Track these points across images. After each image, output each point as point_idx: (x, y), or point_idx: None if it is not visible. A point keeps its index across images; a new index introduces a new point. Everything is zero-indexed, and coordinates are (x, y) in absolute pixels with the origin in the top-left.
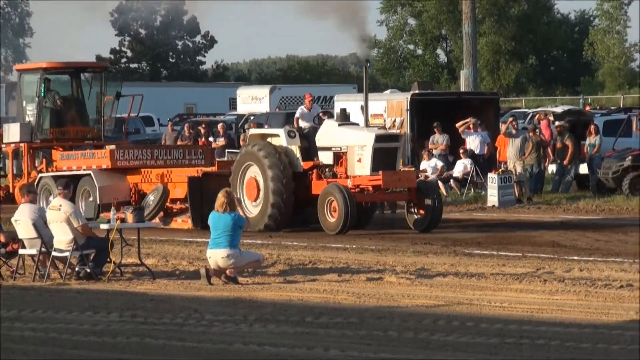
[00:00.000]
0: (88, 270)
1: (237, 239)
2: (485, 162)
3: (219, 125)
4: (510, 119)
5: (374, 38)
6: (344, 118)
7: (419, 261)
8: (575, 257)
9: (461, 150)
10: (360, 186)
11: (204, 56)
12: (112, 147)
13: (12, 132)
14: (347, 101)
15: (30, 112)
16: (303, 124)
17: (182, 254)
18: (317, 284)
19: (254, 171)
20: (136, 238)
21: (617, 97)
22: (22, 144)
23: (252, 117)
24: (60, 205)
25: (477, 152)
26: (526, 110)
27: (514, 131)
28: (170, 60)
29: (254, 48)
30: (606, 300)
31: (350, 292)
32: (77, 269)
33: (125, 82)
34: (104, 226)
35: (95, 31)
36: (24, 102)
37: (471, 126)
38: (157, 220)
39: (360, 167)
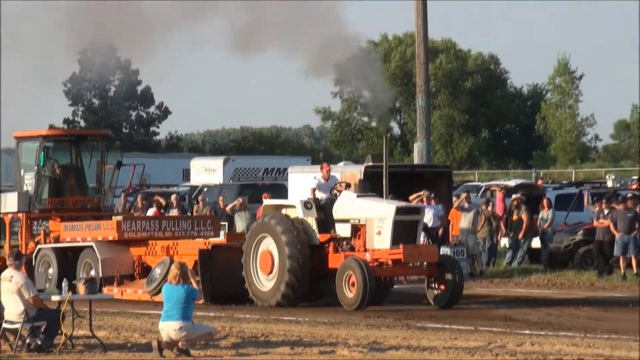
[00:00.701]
0: (39, 342)
1: (189, 311)
2: (438, 235)
3: (172, 197)
4: (464, 194)
5: (328, 110)
6: (363, 189)
7: (372, 334)
8: (527, 331)
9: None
10: (380, 260)
11: (158, 127)
12: (119, 218)
13: (10, 202)
14: (301, 173)
15: (29, 181)
16: (320, 195)
17: (134, 326)
18: (269, 357)
19: (268, 243)
20: (88, 310)
21: (568, 172)
22: (20, 214)
23: (205, 189)
24: (12, 277)
25: (430, 225)
26: (479, 183)
27: (466, 205)
28: (124, 130)
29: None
30: None
31: None
32: (27, 340)
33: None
34: (55, 298)
35: (48, 101)
36: (22, 171)
37: (424, 199)
38: (108, 290)
39: (380, 240)
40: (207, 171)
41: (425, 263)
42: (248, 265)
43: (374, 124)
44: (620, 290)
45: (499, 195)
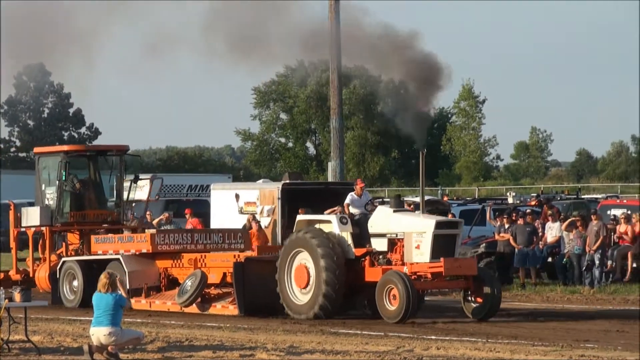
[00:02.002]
0: None
1: (118, 318)
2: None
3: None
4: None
5: (248, 131)
6: (399, 204)
7: (289, 339)
8: (433, 337)
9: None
10: (418, 273)
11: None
12: (153, 231)
13: (32, 216)
14: (223, 190)
15: (50, 196)
16: (354, 210)
17: (67, 331)
18: None
19: (304, 258)
20: (23, 316)
21: (472, 189)
22: (42, 228)
23: (134, 204)
24: None
25: None
26: (389, 199)
27: None
28: None
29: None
30: None
31: None
32: None
33: (14, 170)
34: None
35: None
36: (43, 186)
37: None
38: (136, 302)
39: (419, 253)
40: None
41: (463, 276)
42: (282, 280)
43: (290, 144)
44: (519, 299)
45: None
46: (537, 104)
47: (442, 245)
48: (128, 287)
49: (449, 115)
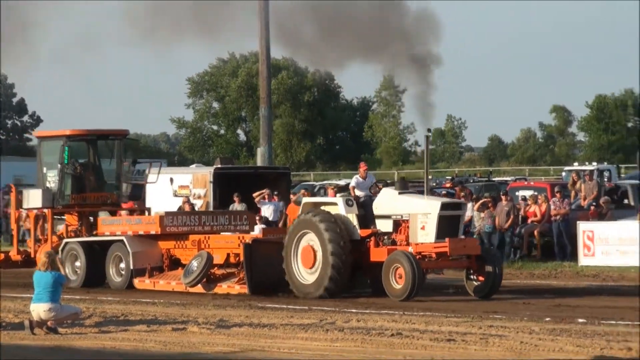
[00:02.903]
0: None
1: (57, 295)
2: (278, 227)
3: None
4: (302, 191)
5: (182, 119)
6: (404, 187)
7: (219, 313)
8: (354, 310)
9: (257, 217)
10: (423, 253)
11: (31, 133)
12: (162, 213)
13: (33, 198)
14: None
15: (52, 178)
16: (359, 192)
17: (9, 307)
18: (128, 334)
19: (310, 239)
20: None
21: (392, 172)
22: (44, 210)
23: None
24: None
25: (271, 219)
26: (314, 183)
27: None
28: (1, 137)
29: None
30: (379, 346)
31: (158, 341)
32: None
33: None
34: None
35: None
36: (45, 169)
37: (266, 196)
38: (140, 282)
39: (424, 234)
40: None
41: (465, 256)
42: (289, 260)
43: (222, 131)
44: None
45: (331, 193)
46: (452, 94)
47: (446, 225)
48: (132, 267)
49: (371, 104)
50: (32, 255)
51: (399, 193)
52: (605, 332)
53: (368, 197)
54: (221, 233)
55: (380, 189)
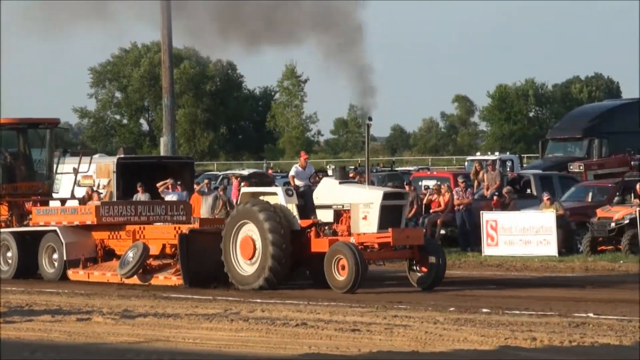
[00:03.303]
0: None
1: None
2: (215, 218)
3: None
4: (206, 181)
5: (85, 109)
6: (344, 176)
7: (123, 304)
8: (259, 300)
9: None
10: (365, 244)
11: None
12: (97, 203)
13: None
14: (61, 164)
15: None
16: (298, 182)
17: None
18: (33, 324)
19: (249, 229)
20: None
21: (295, 162)
22: None
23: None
24: None
25: None
26: (217, 172)
27: (206, 190)
28: None
29: None
30: (284, 337)
31: (62, 331)
32: None
33: None
34: None
35: None
36: None
37: (170, 186)
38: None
39: (366, 224)
40: None
41: (408, 246)
42: (228, 251)
43: (125, 121)
44: None
45: (234, 182)
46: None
47: (389, 215)
48: (65, 258)
49: (273, 94)
50: None
51: (340, 183)
52: (509, 322)
53: (308, 186)
54: (155, 224)
55: (320, 178)
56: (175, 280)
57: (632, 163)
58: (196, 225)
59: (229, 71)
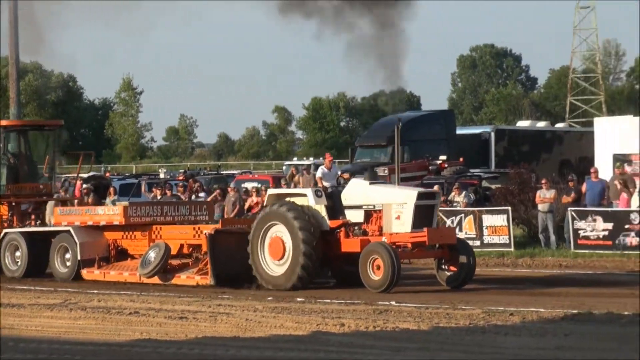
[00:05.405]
0: None
1: None
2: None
3: None
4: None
5: None
6: (374, 177)
7: None
8: (95, 291)
9: None
10: (397, 243)
11: None
12: (125, 203)
13: None
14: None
15: None
16: (325, 183)
17: None
18: None
19: (278, 230)
20: None
21: (130, 166)
22: None
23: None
24: None
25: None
26: (60, 175)
27: None
28: None
29: None
30: (118, 324)
31: None
32: None
33: None
34: None
35: None
36: None
37: None
38: (88, 272)
39: (399, 224)
40: None
41: (437, 245)
42: (256, 252)
43: None
44: None
45: (77, 184)
46: (184, 94)
47: (422, 215)
48: (79, 257)
49: (112, 105)
50: None
51: (370, 183)
52: (320, 309)
53: (335, 187)
54: (178, 224)
55: (347, 179)
56: (199, 279)
57: (430, 167)
58: (219, 226)
59: (69, 83)
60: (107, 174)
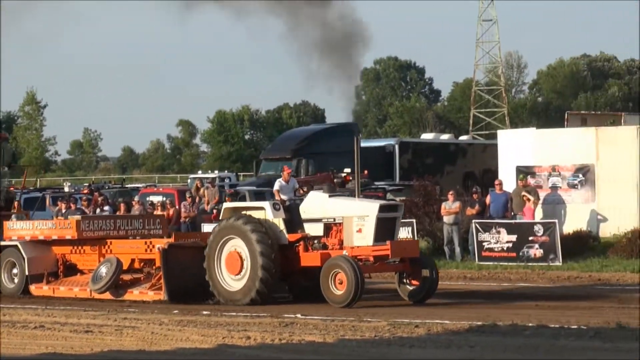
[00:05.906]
0: None
1: None
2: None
3: None
4: None
5: None
6: (332, 189)
7: None
8: (2, 305)
9: None
10: (359, 257)
11: None
12: (78, 217)
13: None
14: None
15: None
16: (283, 196)
17: None
18: None
19: (236, 244)
20: None
21: (34, 180)
22: None
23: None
24: None
25: None
26: None
27: None
28: None
29: None
30: (23, 338)
31: None
32: None
33: None
34: None
35: None
36: None
37: None
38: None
39: (361, 237)
40: None
41: (398, 259)
42: (212, 267)
43: None
44: None
45: None
46: (90, 108)
47: (384, 228)
48: (27, 273)
49: (16, 118)
50: None
51: (329, 196)
52: (227, 322)
53: (293, 200)
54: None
55: (304, 192)
56: (152, 295)
57: (335, 180)
58: (172, 240)
59: None
60: (12, 188)
